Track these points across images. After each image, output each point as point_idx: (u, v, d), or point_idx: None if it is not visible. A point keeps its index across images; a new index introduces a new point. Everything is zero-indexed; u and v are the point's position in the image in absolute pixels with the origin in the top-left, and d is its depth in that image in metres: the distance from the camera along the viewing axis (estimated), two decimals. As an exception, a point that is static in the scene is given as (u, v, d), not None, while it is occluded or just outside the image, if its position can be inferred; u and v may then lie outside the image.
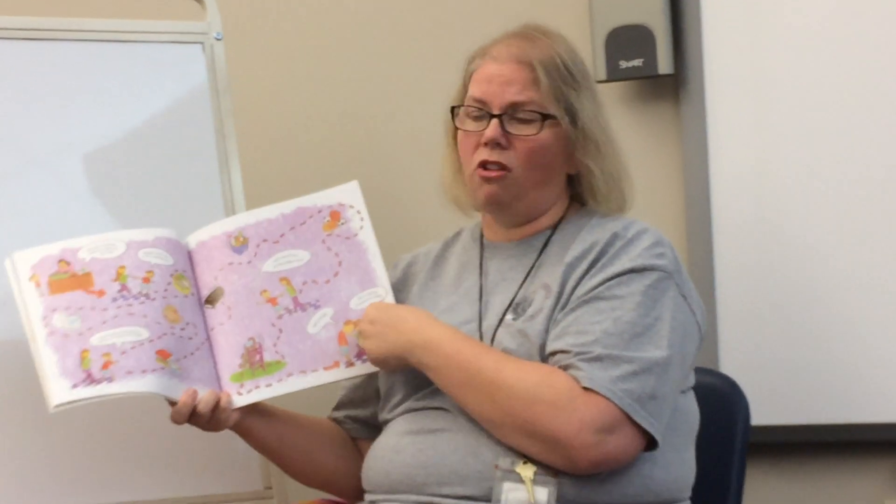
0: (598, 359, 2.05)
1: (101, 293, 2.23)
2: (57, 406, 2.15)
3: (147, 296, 2.24)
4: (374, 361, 2.22)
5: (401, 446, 2.16)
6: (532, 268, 2.22)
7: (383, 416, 2.28)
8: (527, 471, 2.07)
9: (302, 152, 3.19)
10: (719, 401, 2.33)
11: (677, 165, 2.97)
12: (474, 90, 2.24)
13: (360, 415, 2.39)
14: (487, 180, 2.23)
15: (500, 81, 2.22)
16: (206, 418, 2.21)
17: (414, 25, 3.18)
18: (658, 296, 2.10)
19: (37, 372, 2.18)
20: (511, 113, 2.21)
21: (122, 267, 2.25)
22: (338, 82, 3.20)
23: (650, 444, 2.08)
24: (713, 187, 2.93)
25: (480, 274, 2.28)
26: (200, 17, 2.75)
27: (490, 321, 2.20)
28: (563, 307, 2.13)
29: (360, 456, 2.35)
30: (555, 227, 2.26)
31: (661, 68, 2.91)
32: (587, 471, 2.05)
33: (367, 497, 2.22)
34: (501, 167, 2.21)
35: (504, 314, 2.19)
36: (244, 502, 2.59)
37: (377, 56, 3.19)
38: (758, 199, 2.90)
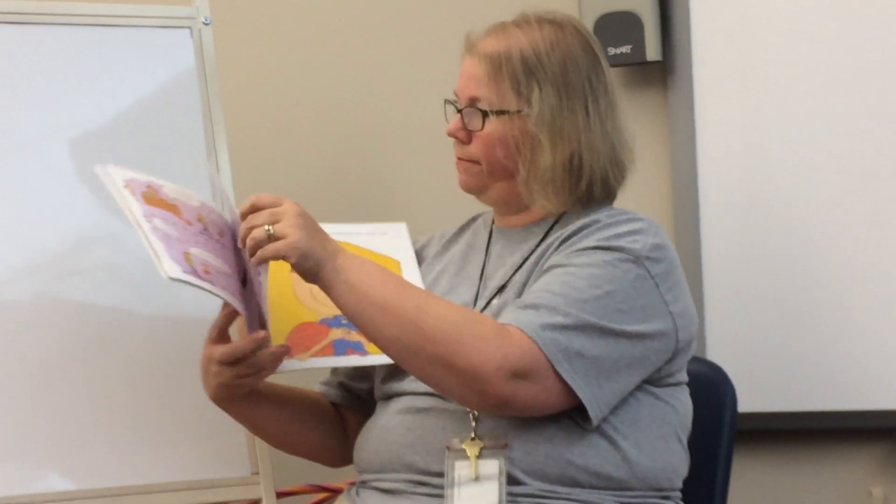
0: (533, 306, 2.05)
1: (188, 223, 2.18)
2: (172, 279, 2.03)
3: (224, 246, 2.20)
4: (292, 250, 2.02)
5: (390, 426, 2.18)
6: (531, 253, 2.22)
7: (377, 393, 2.29)
8: (473, 448, 2.08)
9: (290, 138, 3.19)
10: (706, 388, 2.33)
11: (665, 152, 2.98)
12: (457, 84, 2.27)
13: (354, 386, 2.39)
14: (459, 169, 2.28)
15: (466, 76, 2.26)
16: (257, 368, 2.18)
17: (405, 12, 3.17)
18: (616, 273, 2.09)
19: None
20: (474, 107, 2.23)
21: (202, 215, 2.22)
22: (327, 68, 3.19)
23: (585, 413, 2.05)
24: (701, 174, 2.94)
25: (485, 258, 2.29)
26: (188, 2, 2.74)
27: (481, 303, 2.21)
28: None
29: (342, 428, 2.38)
30: (561, 216, 2.25)
31: (649, 55, 2.91)
32: (493, 408, 2.04)
33: (360, 477, 2.23)
34: (470, 160, 2.25)
35: (492, 298, 2.20)
36: (231, 487, 2.59)
37: (367, 41, 3.19)
38: (745, 186, 2.91)
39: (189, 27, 2.73)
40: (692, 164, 2.94)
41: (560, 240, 2.17)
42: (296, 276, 2.12)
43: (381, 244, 2.37)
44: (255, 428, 2.39)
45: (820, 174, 2.84)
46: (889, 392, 2.80)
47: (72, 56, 2.65)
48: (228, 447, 2.57)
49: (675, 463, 2.19)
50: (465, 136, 2.25)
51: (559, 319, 2.03)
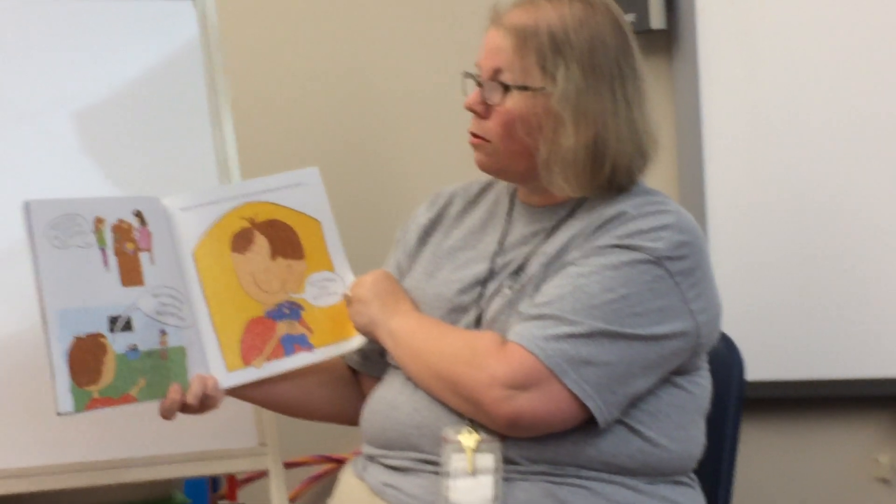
0: (539, 317, 2.04)
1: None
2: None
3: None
4: (357, 315, 2.27)
5: (398, 402, 2.17)
6: (550, 234, 2.19)
7: (388, 357, 2.28)
8: (469, 440, 2.07)
9: (295, 109, 3.19)
10: (713, 356, 2.31)
11: (669, 121, 2.97)
12: (477, 56, 2.22)
13: (374, 347, 2.34)
14: (473, 147, 2.21)
15: (490, 47, 2.18)
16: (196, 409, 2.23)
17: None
18: (632, 275, 2.05)
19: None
20: (496, 80, 2.16)
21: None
22: (331, 37, 3.19)
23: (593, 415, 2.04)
24: (705, 143, 2.94)
25: (503, 231, 2.26)
26: (191, -28, 2.74)
27: (493, 285, 2.19)
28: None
29: (358, 395, 2.36)
30: (585, 198, 2.19)
31: (653, 23, 2.91)
32: (506, 428, 2.04)
33: (365, 449, 2.23)
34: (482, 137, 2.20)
35: (505, 280, 2.18)
36: (239, 458, 2.59)
37: (372, 10, 3.18)
38: (750, 155, 2.91)
39: (192, -2, 2.73)
40: (697, 133, 2.93)
41: (586, 234, 2.12)
42: (236, 259, 2.27)
43: (299, 199, 2.33)
44: (267, 405, 2.40)
45: (824, 140, 2.84)
46: (896, 360, 2.81)
47: (74, 27, 2.64)
48: (235, 418, 2.57)
49: (693, 449, 2.18)
50: (483, 110, 2.17)
51: (565, 329, 2.01)
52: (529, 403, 2.01)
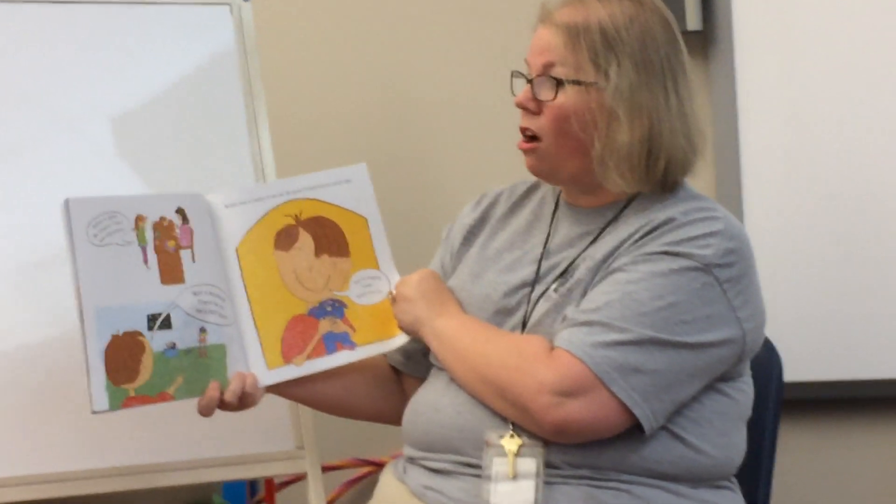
0: (587, 324, 2.03)
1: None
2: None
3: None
4: (402, 313, 2.27)
5: (441, 405, 2.16)
6: (597, 237, 2.18)
7: (431, 358, 2.28)
8: (511, 444, 2.07)
9: (331, 114, 3.19)
10: (752, 358, 2.31)
11: (706, 123, 2.95)
12: (527, 54, 2.22)
13: (417, 347, 2.35)
14: (524, 152, 2.21)
15: (540, 45, 2.18)
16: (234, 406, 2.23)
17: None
18: (681, 283, 2.04)
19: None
20: (548, 76, 2.16)
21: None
22: (367, 42, 3.19)
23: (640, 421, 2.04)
24: (742, 144, 2.93)
25: (549, 234, 2.26)
26: (227, -21, 2.75)
27: (540, 288, 2.19)
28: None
29: (400, 394, 2.36)
30: (633, 198, 2.18)
31: (689, 24, 2.90)
32: (553, 435, 2.03)
33: (406, 451, 2.22)
34: (532, 137, 2.18)
35: (552, 283, 2.17)
36: (277, 461, 2.60)
37: (409, 15, 3.18)
38: (787, 155, 2.90)
39: (228, 4, 2.74)
40: (734, 135, 2.93)
41: (633, 239, 2.11)
42: (280, 256, 2.26)
43: (346, 196, 2.32)
44: (309, 403, 2.40)
45: (862, 141, 2.83)
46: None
47: (112, 35, 2.66)
48: (272, 421, 2.58)
49: (734, 455, 2.17)
50: (534, 106, 2.16)
51: (614, 336, 2.01)
52: (577, 410, 2.01)
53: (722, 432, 2.13)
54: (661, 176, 2.14)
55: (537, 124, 2.17)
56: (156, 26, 2.69)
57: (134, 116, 2.65)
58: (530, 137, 2.18)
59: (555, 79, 2.14)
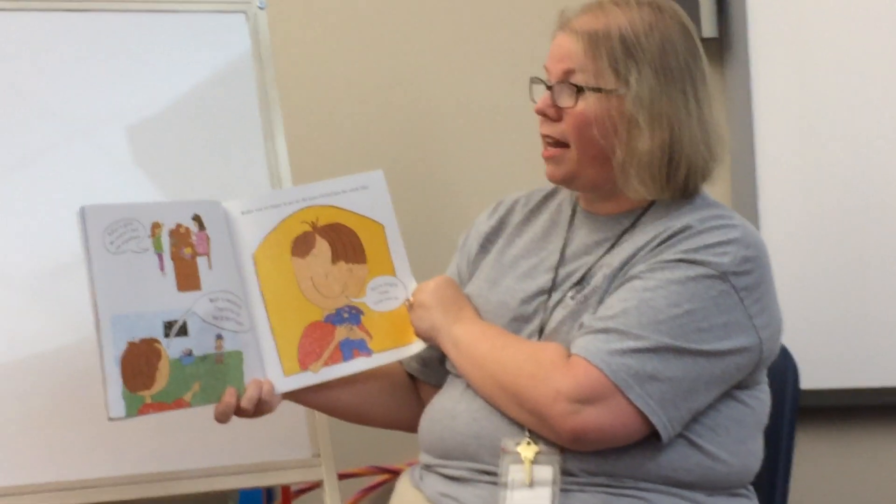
0: (604, 331, 2.03)
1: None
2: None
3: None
4: (419, 320, 2.27)
5: (457, 412, 2.17)
6: (614, 245, 2.18)
7: (448, 365, 2.28)
8: (528, 451, 2.07)
9: (347, 121, 3.19)
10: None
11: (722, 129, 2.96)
12: (546, 61, 2.22)
13: (433, 354, 2.35)
14: (546, 159, 2.21)
15: (559, 53, 2.18)
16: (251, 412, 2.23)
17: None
18: (698, 290, 2.04)
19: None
20: (568, 82, 2.16)
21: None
22: (382, 50, 3.19)
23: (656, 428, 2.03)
24: (758, 151, 2.93)
25: (565, 241, 2.26)
26: (243, -14, 2.76)
27: (557, 296, 2.18)
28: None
29: (416, 402, 2.37)
30: (650, 205, 2.19)
31: (705, 31, 2.90)
32: (570, 442, 2.03)
33: (423, 458, 2.22)
34: (557, 143, 2.18)
35: (569, 291, 2.17)
36: (293, 469, 2.60)
37: (424, 22, 3.18)
38: (803, 162, 2.90)
39: (244, 11, 2.74)
40: (749, 142, 2.93)
41: (651, 247, 2.11)
42: (297, 263, 2.27)
43: (363, 203, 2.32)
44: (325, 410, 2.40)
45: (878, 149, 2.83)
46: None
47: (127, 42, 2.66)
48: (288, 429, 2.58)
49: (751, 463, 2.16)
50: (554, 113, 2.17)
51: (630, 343, 2.01)
52: (594, 418, 2.00)
53: (738, 440, 2.12)
54: (681, 183, 2.15)
55: (559, 130, 2.17)
56: (172, 34, 2.69)
57: (150, 124, 2.65)
58: (555, 143, 2.18)
59: (575, 86, 2.14)
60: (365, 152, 3.14)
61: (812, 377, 2.64)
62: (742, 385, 2.12)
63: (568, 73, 2.16)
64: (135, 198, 2.53)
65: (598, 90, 2.13)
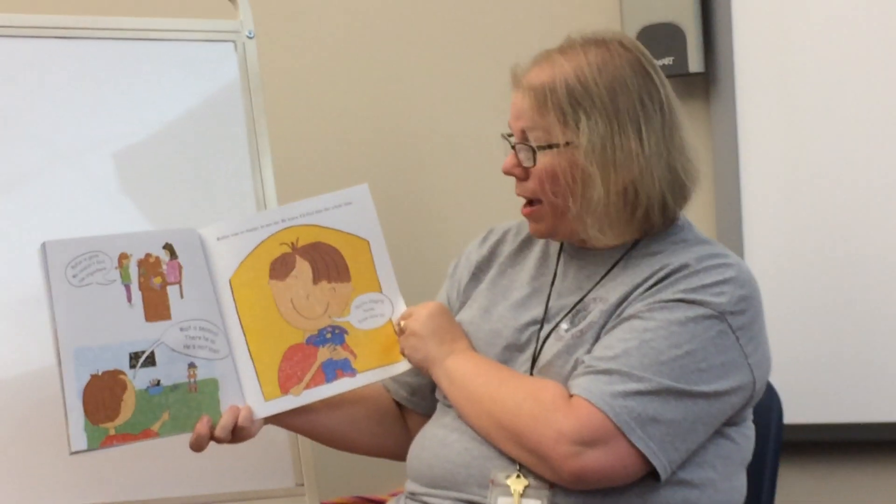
0: (606, 372, 2.03)
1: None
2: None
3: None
4: (410, 349, 2.25)
5: (449, 440, 2.16)
6: (605, 276, 2.18)
7: (438, 395, 2.27)
8: (517, 484, 2.06)
9: (334, 151, 3.20)
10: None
11: (708, 164, 2.96)
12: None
13: (421, 382, 2.35)
14: (526, 217, 2.22)
15: (514, 111, 2.19)
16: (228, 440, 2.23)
17: (448, 24, 3.18)
18: (697, 331, 2.04)
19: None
20: (525, 143, 2.16)
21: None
22: (370, 80, 3.20)
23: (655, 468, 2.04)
24: (744, 186, 2.93)
25: (555, 273, 2.25)
26: (232, 16, 2.76)
27: (549, 327, 2.18)
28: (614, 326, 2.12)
29: (403, 430, 2.37)
30: (640, 239, 2.19)
31: (691, 66, 2.91)
32: (571, 483, 2.03)
33: (409, 486, 2.22)
34: (531, 201, 2.19)
35: (560, 321, 2.17)
36: (276, 499, 2.59)
37: (410, 54, 3.20)
38: (788, 198, 2.90)
39: (233, 41, 2.75)
40: (735, 177, 2.93)
41: (647, 285, 2.11)
42: (275, 286, 2.27)
43: (347, 219, 2.31)
44: (309, 435, 2.39)
45: (863, 184, 2.83)
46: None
47: (116, 70, 2.67)
48: (272, 458, 2.58)
49: (736, 499, 2.17)
50: (521, 173, 2.18)
51: (633, 386, 2.01)
52: (596, 460, 2.00)
53: (724, 476, 2.12)
54: (650, 221, 2.15)
55: (528, 189, 2.18)
56: (160, 62, 2.70)
57: (137, 152, 2.65)
58: (530, 201, 2.19)
59: (528, 146, 2.15)
60: (353, 181, 3.12)
61: (796, 412, 2.65)
62: (730, 422, 2.13)
63: (524, 131, 2.16)
64: (121, 225, 2.54)
65: (550, 147, 2.13)
